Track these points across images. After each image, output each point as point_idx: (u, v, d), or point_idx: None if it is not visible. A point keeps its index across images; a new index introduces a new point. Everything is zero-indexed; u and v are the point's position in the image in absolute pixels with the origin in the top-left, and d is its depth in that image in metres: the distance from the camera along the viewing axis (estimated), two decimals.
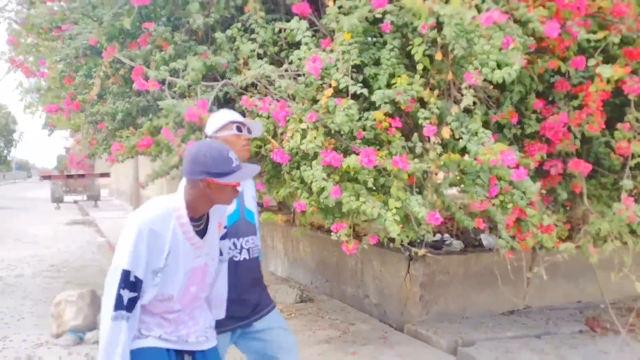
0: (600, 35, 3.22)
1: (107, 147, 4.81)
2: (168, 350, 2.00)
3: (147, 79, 3.45)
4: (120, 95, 4.23)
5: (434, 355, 4.30)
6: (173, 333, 2.02)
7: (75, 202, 21.54)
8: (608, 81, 3.49)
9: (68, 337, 4.52)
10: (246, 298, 2.49)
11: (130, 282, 1.85)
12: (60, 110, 4.57)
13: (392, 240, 3.38)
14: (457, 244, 5.76)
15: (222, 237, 2.22)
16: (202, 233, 2.02)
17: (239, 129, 2.40)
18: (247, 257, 2.50)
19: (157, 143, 3.87)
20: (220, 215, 2.14)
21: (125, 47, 3.85)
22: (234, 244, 2.45)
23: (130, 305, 1.87)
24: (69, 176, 20.91)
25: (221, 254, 2.21)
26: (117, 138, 4.20)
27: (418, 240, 5.35)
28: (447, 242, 5.83)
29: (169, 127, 3.34)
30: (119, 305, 1.84)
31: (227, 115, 2.45)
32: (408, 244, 4.15)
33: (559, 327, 4.94)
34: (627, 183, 3.47)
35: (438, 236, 6.10)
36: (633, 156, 3.52)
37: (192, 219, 1.97)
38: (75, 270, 7.76)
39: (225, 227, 2.23)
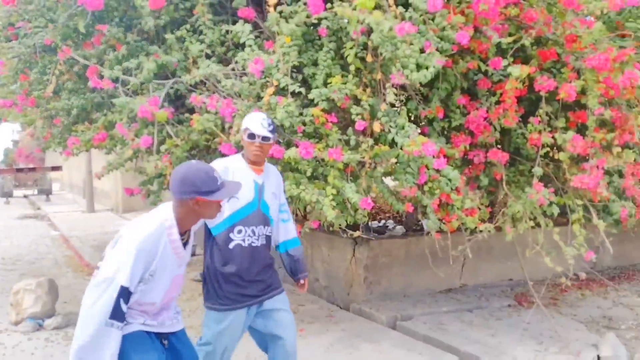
0: (510, 38, 3.66)
1: (62, 141, 5.00)
2: (149, 333, 2.29)
3: (101, 77, 3.70)
4: (74, 91, 4.43)
5: (375, 330, 4.73)
6: (153, 320, 2.32)
7: (25, 196, 21.13)
8: (523, 80, 3.97)
9: (27, 324, 4.72)
10: (260, 279, 2.81)
11: (127, 297, 2.11)
12: (14, 105, 4.73)
13: (332, 224, 3.75)
14: (399, 229, 6.23)
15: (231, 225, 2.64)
16: (185, 245, 2.30)
17: (251, 137, 2.71)
18: (264, 243, 2.84)
19: (111, 137, 4.13)
20: (196, 226, 2.43)
21: (80, 46, 4.08)
22: (253, 231, 2.76)
23: (124, 316, 2.11)
24: (19, 170, 20.48)
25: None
26: (73, 132, 4.42)
27: (362, 226, 5.82)
28: (389, 227, 6.29)
29: (123, 122, 3.61)
30: (116, 315, 2.06)
31: (247, 120, 2.76)
32: (353, 229, 4.57)
33: (490, 302, 5.46)
34: (537, 170, 3.96)
35: (384, 222, 6.56)
36: (543, 146, 4.01)
37: (182, 234, 2.25)
38: (29, 263, 7.85)
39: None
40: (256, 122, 2.72)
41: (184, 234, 2.28)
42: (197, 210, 2.20)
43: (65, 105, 4.30)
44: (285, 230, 3.01)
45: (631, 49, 3.78)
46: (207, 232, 2.80)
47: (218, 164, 2.72)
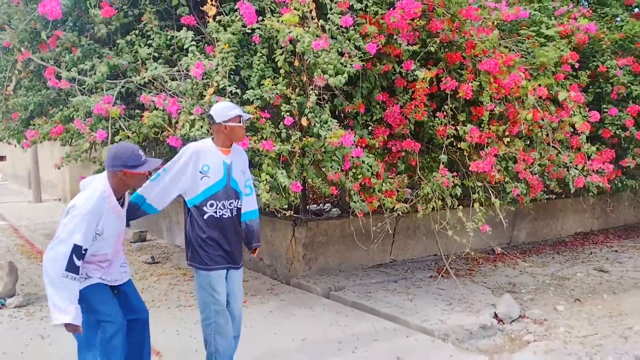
0: (416, 46, 4.37)
1: (17, 133, 5.42)
2: (105, 285, 3.02)
3: (59, 77, 4.18)
4: (31, 88, 4.87)
5: (310, 299, 5.42)
6: (106, 275, 3.03)
7: None
8: (431, 80, 4.70)
9: None
10: (233, 249, 3.34)
11: (81, 253, 2.77)
12: None
13: (268, 205, 4.37)
14: (335, 211, 6.93)
15: (205, 199, 3.25)
16: (122, 206, 3.01)
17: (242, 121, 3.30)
18: (235, 214, 3.36)
19: (67, 130, 4.60)
20: (128, 192, 3.14)
21: (36, 48, 4.53)
22: (223, 204, 3.27)
23: (78, 269, 2.78)
24: None
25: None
26: (30, 126, 4.87)
27: (301, 209, 6.48)
28: (326, 210, 6.98)
29: (80, 118, 4.11)
30: (70, 268, 2.73)
31: (234, 109, 3.25)
32: (293, 212, 5.22)
33: (415, 274, 6.23)
34: (442, 157, 4.72)
35: (322, 206, 7.24)
36: (448, 137, 4.76)
37: (119, 198, 2.97)
38: None
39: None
40: (239, 109, 3.30)
41: (120, 198, 2.99)
42: (125, 180, 2.92)
43: (23, 101, 4.74)
44: (247, 203, 3.45)
45: (517, 55, 4.56)
46: (185, 205, 3.38)
47: (192, 147, 3.28)
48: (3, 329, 4.64)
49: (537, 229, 8.25)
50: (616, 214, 8.91)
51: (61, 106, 4.70)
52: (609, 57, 5.85)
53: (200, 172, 3.21)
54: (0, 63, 4.71)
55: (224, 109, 3.26)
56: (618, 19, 6.35)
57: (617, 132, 5.87)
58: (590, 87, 5.98)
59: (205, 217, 3.27)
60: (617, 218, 9.08)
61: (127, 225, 3.20)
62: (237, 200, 3.37)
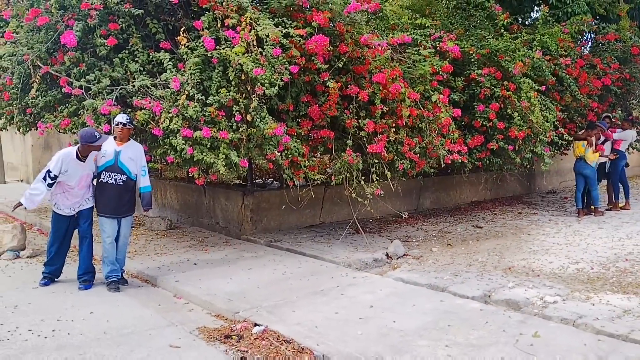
0: (325, 65, 6.37)
1: (29, 124, 7.30)
2: (69, 216, 5.54)
3: (69, 84, 6.00)
4: (40, 90, 6.61)
5: (256, 247, 7.44)
6: (70, 207, 5.58)
7: None
8: (345, 84, 6.73)
9: (8, 254, 6.93)
10: (121, 205, 5.83)
11: (52, 176, 5.44)
12: None
13: (223, 178, 6.32)
14: (276, 184, 8.95)
15: (102, 170, 5.73)
16: (83, 160, 5.47)
17: (118, 125, 5.70)
18: (120, 184, 5.79)
19: (73, 123, 6.41)
20: (94, 155, 5.62)
21: (49, 62, 6.31)
22: (109, 175, 5.76)
23: (50, 185, 5.27)
24: None
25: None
26: (41, 120, 6.65)
27: (249, 182, 8.42)
28: (269, 183, 9.00)
29: (90, 115, 5.95)
30: (45, 179, 5.49)
31: (117, 119, 5.71)
32: (242, 184, 7.21)
33: (337, 231, 8.33)
34: (349, 142, 6.78)
35: (267, 180, 9.24)
36: (353, 127, 6.80)
37: (81, 157, 5.51)
38: None
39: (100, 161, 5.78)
40: (120, 118, 5.73)
41: (83, 158, 5.57)
42: (85, 148, 5.50)
43: (36, 100, 6.52)
44: (141, 182, 5.94)
45: (398, 72, 6.65)
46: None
47: (107, 139, 5.69)
48: (23, 272, 6.48)
49: (440, 198, 10.55)
50: (505, 186, 11.33)
51: (66, 104, 6.48)
52: (478, 67, 8.04)
53: (102, 154, 5.72)
54: (19, 70, 6.43)
55: (117, 117, 5.78)
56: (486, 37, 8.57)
57: (485, 123, 8.10)
58: (466, 89, 8.18)
59: (102, 181, 5.78)
60: (506, 189, 11.52)
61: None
62: (123, 175, 5.80)
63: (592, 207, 9.53)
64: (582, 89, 9.34)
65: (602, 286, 5.46)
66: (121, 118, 5.73)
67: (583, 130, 9.53)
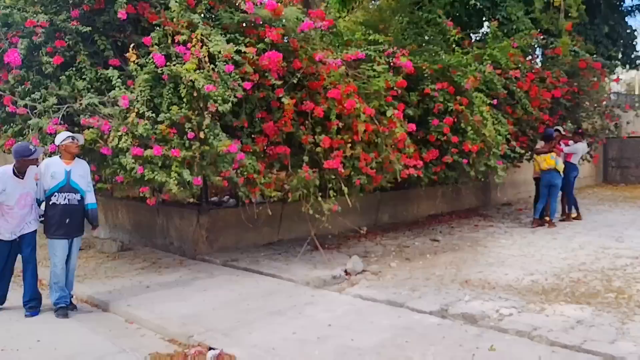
0: (279, 81, 6.37)
1: None
2: (11, 241, 5.26)
3: (14, 103, 5.80)
4: None
5: (212, 267, 7.32)
6: (11, 231, 5.34)
7: None
8: (300, 100, 6.74)
9: None
10: (73, 225, 5.60)
11: None
12: None
13: (175, 196, 6.21)
14: (232, 202, 8.86)
15: (54, 192, 5.49)
16: (22, 178, 5.29)
17: (72, 139, 5.43)
18: (75, 204, 5.61)
19: (17, 142, 6.18)
20: (34, 172, 5.37)
21: None
22: (64, 197, 5.55)
23: None
24: None
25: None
26: None
27: (203, 200, 8.30)
28: (225, 201, 8.90)
29: (35, 136, 5.76)
30: None
31: (65, 135, 5.52)
32: (196, 203, 7.09)
33: (295, 248, 8.28)
34: (305, 158, 6.78)
35: (224, 197, 9.14)
36: (309, 143, 6.81)
37: (18, 174, 5.26)
38: None
39: (38, 178, 5.57)
40: (68, 134, 5.57)
41: (21, 175, 5.37)
42: (22, 164, 5.32)
43: None
44: (88, 198, 5.77)
45: (353, 87, 6.72)
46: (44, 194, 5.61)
47: (45, 162, 5.62)
48: None
49: (397, 213, 10.65)
50: (461, 199, 11.54)
51: (11, 124, 6.26)
52: (431, 82, 8.21)
53: (50, 176, 5.51)
54: None
55: (59, 137, 5.59)
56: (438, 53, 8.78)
57: (439, 138, 8.25)
58: (421, 104, 8.33)
59: (52, 203, 5.55)
60: (462, 202, 11.74)
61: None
62: (76, 194, 5.62)
63: (547, 218, 9.79)
64: (533, 102, 9.64)
65: (556, 297, 5.60)
66: (68, 134, 5.57)
67: (543, 144, 9.80)
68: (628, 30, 16.60)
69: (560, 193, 10.34)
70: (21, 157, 5.29)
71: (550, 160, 9.56)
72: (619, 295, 5.59)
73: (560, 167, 9.58)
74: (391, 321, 5.03)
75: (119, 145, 5.71)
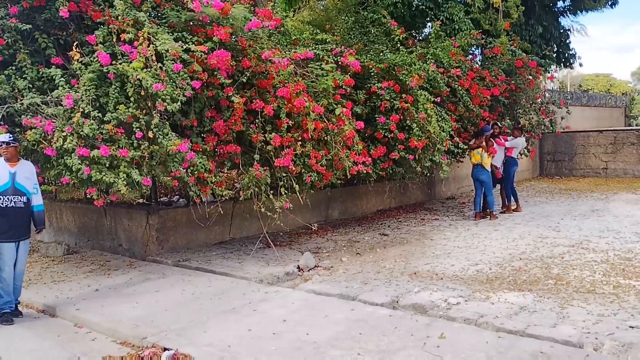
0: (228, 80, 6.32)
1: None
2: None
3: None
4: None
5: (163, 268, 7.19)
6: None
7: None
8: (250, 99, 6.70)
9: None
10: (18, 227, 5.41)
11: None
12: None
13: (125, 198, 6.06)
14: (182, 202, 8.73)
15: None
16: None
17: (5, 144, 5.33)
18: (20, 206, 5.42)
19: None
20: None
21: None
22: (9, 199, 5.37)
23: None
24: None
25: None
26: None
27: (153, 200, 8.14)
28: (175, 201, 8.75)
29: None
30: None
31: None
32: (146, 203, 6.94)
33: (247, 246, 8.24)
34: (256, 157, 6.75)
35: (174, 197, 8.98)
36: (260, 142, 6.79)
37: None
38: None
39: None
40: (2, 138, 5.37)
41: None
42: None
43: None
44: (35, 200, 5.61)
45: (302, 86, 6.74)
46: None
47: None
48: None
49: (347, 208, 10.77)
50: (408, 194, 11.78)
51: None
52: (378, 81, 8.34)
53: None
54: None
55: None
56: (383, 53, 8.93)
57: (386, 135, 8.39)
58: (368, 102, 8.45)
59: None
60: (409, 197, 11.98)
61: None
62: (22, 197, 5.46)
63: (488, 210, 10.14)
64: (473, 100, 9.95)
65: (500, 285, 5.81)
66: (3, 137, 5.37)
67: (474, 140, 10.16)
68: (561, 30, 17.34)
69: (498, 186, 10.72)
70: None
71: (477, 156, 9.95)
72: (558, 282, 5.86)
73: (487, 162, 9.92)
74: (345, 314, 5.09)
75: (64, 146, 5.53)
